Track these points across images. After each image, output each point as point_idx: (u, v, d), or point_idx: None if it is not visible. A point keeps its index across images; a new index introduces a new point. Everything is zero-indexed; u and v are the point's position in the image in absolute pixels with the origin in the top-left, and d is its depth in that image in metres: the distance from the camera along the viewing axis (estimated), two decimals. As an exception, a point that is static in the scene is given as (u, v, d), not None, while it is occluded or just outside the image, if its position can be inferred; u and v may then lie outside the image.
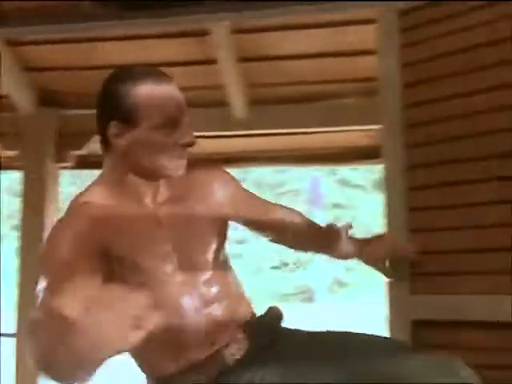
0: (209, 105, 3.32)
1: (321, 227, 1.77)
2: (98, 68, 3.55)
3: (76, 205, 1.43)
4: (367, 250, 1.75)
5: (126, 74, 1.42)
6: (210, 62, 3.01)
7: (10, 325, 3.80)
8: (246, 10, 2.07)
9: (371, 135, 3.24)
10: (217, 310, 1.44)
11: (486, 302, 1.71)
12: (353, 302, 17.75)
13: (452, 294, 1.76)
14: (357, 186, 22.11)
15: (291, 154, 4.00)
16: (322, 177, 16.89)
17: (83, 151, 3.83)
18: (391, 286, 1.85)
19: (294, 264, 23.89)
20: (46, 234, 1.42)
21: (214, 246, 1.50)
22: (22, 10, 2.28)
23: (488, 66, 1.77)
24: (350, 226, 1.76)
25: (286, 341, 1.48)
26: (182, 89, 1.42)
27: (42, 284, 1.29)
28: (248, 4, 2.06)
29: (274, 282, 23.43)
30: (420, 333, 1.79)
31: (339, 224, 1.76)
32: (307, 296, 20.43)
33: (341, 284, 21.07)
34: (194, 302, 1.42)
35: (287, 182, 23.67)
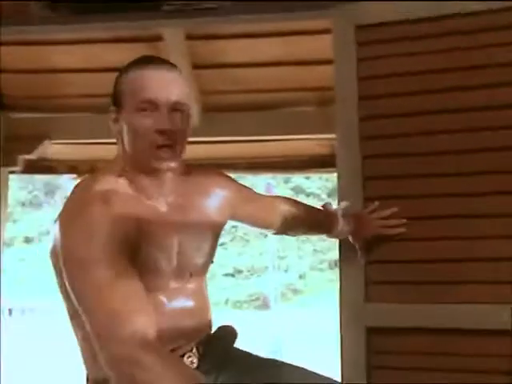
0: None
1: (319, 211, 1.81)
2: (47, 71, 3.50)
3: (94, 193, 1.34)
4: (356, 228, 1.80)
5: (128, 63, 1.42)
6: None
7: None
8: (201, 17, 2.05)
9: (325, 144, 3.26)
10: (191, 319, 1.44)
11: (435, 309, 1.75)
12: (306, 308, 17.88)
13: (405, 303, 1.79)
14: (311, 194, 22.31)
15: (244, 162, 4.00)
16: (275, 185, 17.07)
17: (33, 155, 3.74)
18: (345, 293, 1.86)
19: (248, 271, 23.95)
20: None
21: (211, 251, 1.51)
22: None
23: (443, 90, 1.82)
24: (346, 205, 1.81)
25: (235, 364, 1.46)
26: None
27: (95, 301, 1.23)
28: (204, 12, 2.04)
29: (227, 289, 23.44)
30: (373, 339, 1.81)
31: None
32: (261, 303, 20.48)
33: (295, 291, 21.21)
34: (177, 304, 1.41)
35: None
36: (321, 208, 1.84)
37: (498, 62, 1.78)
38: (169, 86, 1.37)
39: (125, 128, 1.37)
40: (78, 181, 1.45)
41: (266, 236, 18.70)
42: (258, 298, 21.71)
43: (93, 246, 1.26)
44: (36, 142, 3.68)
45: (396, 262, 1.82)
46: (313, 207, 1.84)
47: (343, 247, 1.87)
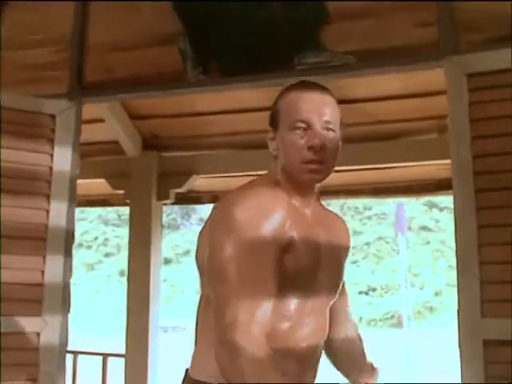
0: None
1: (365, 358, 1.76)
2: (194, 115, 4.02)
3: (263, 184, 1.47)
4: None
5: (286, 87, 1.54)
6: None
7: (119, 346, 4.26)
8: (330, 74, 2.42)
9: (445, 168, 3.49)
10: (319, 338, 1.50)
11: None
12: (442, 327, 17.42)
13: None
14: (445, 208, 21.84)
15: (369, 188, 4.32)
16: (405, 203, 16.87)
17: (182, 189, 4.28)
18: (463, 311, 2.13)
19: (382, 289, 23.65)
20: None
21: (341, 274, 1.60)
22: (137, 77, 2.72)
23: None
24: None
25: None
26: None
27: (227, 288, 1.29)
28: (331, 69, 2.41)
29: (361, 307, 23.18)
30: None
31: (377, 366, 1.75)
32: (396, 321, 20.22)
33: (430, 309, 20.76)
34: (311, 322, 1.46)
35: (374, 205, 23.65)
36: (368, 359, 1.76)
37: None
38: (321, 106, 1.47)
39: (281, 145, 1.48)
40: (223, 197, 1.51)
41: (399, 253, 18.56)
42: (392, 316, 21.43)
43: (264, 229, 1.35)
44: (185, 177, 4.23)
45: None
46: (364, 352, 1.77)
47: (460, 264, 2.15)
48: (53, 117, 2.65)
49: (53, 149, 2.62)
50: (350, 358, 1.74)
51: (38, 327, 2.51)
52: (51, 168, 2.61)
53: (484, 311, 2.08)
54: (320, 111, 1.46)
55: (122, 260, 18.37)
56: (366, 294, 23.43)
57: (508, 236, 2.07)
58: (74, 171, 2.67)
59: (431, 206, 23.10)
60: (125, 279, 4.39)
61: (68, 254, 2.60)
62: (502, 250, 2.08)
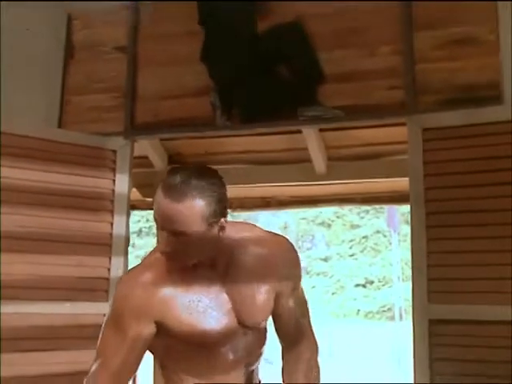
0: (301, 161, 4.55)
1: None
2: (212, 137, 4.90)
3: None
4: None
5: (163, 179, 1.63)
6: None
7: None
8: (328, 123, 3.38)
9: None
10: None
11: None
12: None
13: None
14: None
15: (360, 197, 5.24)
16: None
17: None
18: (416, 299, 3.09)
19: (380, 282, 24.45)
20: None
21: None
22: (177, 120, 3.67)
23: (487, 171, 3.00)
24: None
25: None
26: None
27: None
28: (329, 120, 3.35)
29: (358, 299, 23.94)
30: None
31: None
32: (392, 314, 21.12)
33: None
34: None
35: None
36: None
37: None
38: (168, 215, 1.57)
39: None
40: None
41: (391, 250, 19.45)
42: (389, 309, 22.22)
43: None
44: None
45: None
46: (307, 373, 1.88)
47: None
48: (114, 151, 3.60)
49: (114, 176, 3.57)
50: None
51: (105, 310, 3.45)
52: (113, 190, 3.56)
53: (430, 299, 3.03)
54: (168, 220, 1.58)
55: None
56: (364, 286, 24.27)
57: (448, 246, 3.03)
58: (129, 192, 3.62)
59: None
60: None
61: (126, 254, 3.55)
62: (443, 256, 3.03)
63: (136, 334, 1.65)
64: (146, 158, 5.04)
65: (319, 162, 4.12)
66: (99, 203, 3.53)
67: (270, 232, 1.86)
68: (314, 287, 23.16)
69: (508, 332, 2.87)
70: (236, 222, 1.81)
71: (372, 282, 24.31)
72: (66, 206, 3.42)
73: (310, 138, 3.74)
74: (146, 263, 1.73)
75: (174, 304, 1.66)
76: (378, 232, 24.73)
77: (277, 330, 1.88)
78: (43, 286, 3.33)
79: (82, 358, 2.50)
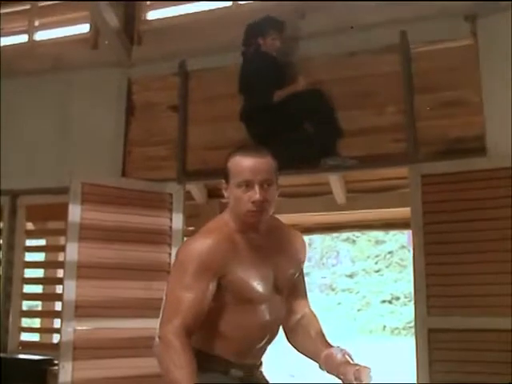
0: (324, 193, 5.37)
1: (325, 344, 2.09)
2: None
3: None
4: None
5: (233, 150, 2.05)
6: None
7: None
8: (342, 171, 4.26)
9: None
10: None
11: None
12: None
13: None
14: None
15: (380, 223, 6.08)
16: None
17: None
18: (417, 312, 3.94)
19: (406, 298, 24.75)
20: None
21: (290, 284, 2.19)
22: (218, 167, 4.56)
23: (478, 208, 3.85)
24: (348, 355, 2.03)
25: None
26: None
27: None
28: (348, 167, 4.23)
29: (384, 316, 24.37)
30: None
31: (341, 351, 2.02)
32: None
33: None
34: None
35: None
36: (328, 345, 2.08)
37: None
38: (257, 167, 1.95)
39: (231, 196, 2.01)
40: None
41: (406, 267, 19.91)
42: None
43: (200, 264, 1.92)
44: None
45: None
46: (324, 336, 2.13)
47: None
48: (171, 194, 4.53)
49: (171, 214, 4.50)
50: (309, 346, 2.15)
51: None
52: (171, 227, 4.49)
53: (429, 312, 3.89)
54: (257, 172, 1.96)
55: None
56: (390, 302, 24.60)
57: (443, 270, 3.89)
58: (183, 227, 4.54)
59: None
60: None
61: (181, 279, 4.44)
62: (439, 278, 3.90)
63: (206, 287, 1.93)
64: (188, 192, 5.96)
65: (339, 194, 4.87)
66: (160, 237, 4.45)
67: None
68: (339, 303, 23.61)
69: (495, 338, 3.70)
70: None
71: (398, 298, 24.61)
72: (133, 241, 4.35)
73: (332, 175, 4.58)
74: (206, 230, 2.07)
75: (234, 262, 1.98)
76: (403, 247, 25.16)
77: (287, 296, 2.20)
78: (117, 305, 4.25)
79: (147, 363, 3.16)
